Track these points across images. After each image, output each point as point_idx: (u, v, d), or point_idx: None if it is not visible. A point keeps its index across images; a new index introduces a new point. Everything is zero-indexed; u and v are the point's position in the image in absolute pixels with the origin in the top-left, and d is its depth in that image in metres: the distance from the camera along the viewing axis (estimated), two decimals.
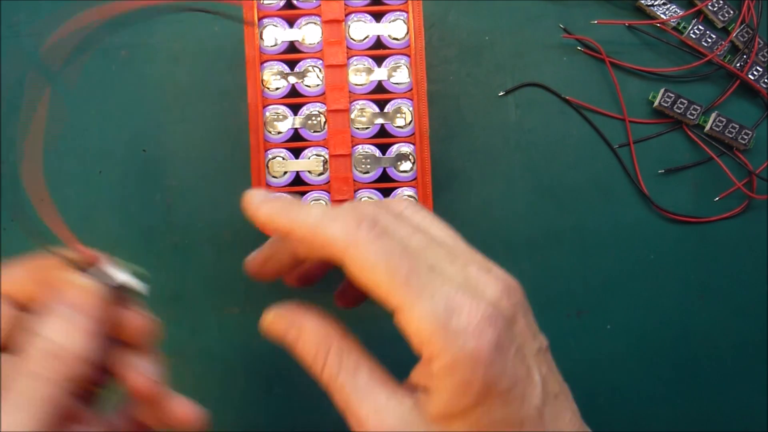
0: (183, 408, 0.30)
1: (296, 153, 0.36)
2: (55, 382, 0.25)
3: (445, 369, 0.24)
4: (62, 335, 0.26)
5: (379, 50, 0.36)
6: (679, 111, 0.43)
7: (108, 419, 0.29)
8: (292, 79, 0.36)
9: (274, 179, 0.36)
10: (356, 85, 0.36)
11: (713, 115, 0.43)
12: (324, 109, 0.36)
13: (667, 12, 0.44)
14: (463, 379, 0.24)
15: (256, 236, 0.37)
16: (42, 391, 0.25)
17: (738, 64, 0.44)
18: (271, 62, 0.36)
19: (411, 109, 0.36)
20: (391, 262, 0.25)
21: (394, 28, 0.36)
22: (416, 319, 0.24)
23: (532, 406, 0.25)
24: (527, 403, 0.25)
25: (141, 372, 0.29)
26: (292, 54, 0.36)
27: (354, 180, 0.36)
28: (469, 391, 0.24)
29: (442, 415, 0.25)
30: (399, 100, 0.36)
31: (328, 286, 0.35)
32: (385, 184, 0.36)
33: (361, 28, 0.36)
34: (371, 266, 0.25)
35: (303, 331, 0.28)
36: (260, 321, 0.29)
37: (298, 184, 0.36)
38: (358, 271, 0.25)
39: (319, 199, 0.36)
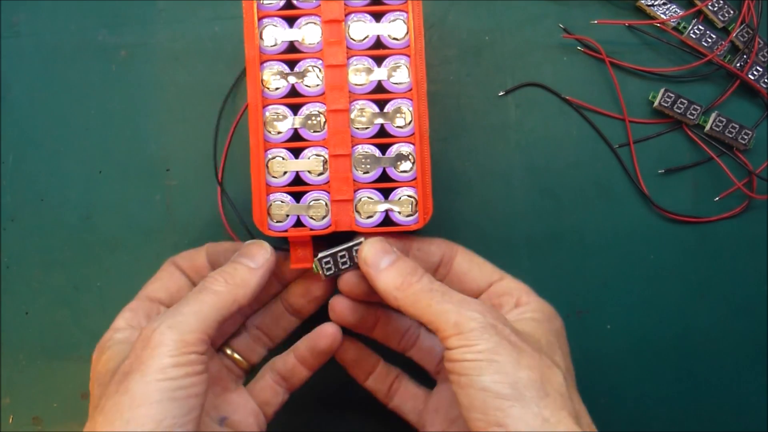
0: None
1: (296, 153, 0.36)
2: (223, 297, 0.33)
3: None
4: (240, 272, 0.34)
5: (378, 50, 0.36)
6: (679, 111, 0.43)
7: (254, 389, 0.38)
8: (292, 79, 0.36)
9: (274, 179, 0.36)
10: (356, 85, 0.36)
11: (713, 115, 0.43)
12: (324, 109, 0.36)
13: (667, 12, 0.44)
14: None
15: (256, 236, 0.37)
16: (212, 300, 0.32)
17: (738, 64, 0.44)
18: (271, 62, 0.36)
19: (411, 109, 0.36)
20: None
21: (393, 28, 0.36)
22: None
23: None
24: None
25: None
26: (291, 54, 0.36)
27: (354, 180, 0.36)
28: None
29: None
30: (399, 100, 0.36)
31: None
32: (385, 184, 0.36)
33: (361, 28, 0.36)
34: None
35: (401, 258, 0.34)
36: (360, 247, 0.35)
37: (297, 184, 0.36)
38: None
39: (319, 199, 0.36)
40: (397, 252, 0.35)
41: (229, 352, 0.38)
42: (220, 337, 0.38)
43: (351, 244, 0.35)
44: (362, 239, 0.35)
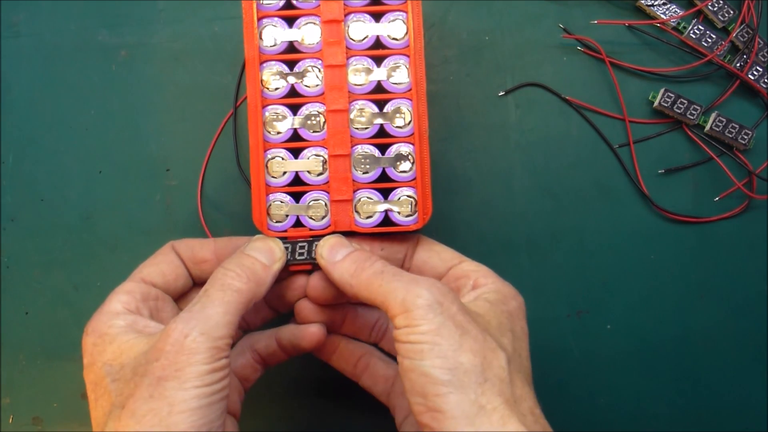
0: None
1: (296, 153, 0.36)
2: (244, 295, 0.32)
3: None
4: (256, 267, 0.34)
5: (378, 50, 0.36)
6: (679, 111, 0.43)
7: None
8: (292, 79, 0.36)
9: (273, 179, 0.36)
10: (355, 85, 0.36)
11: (713, 115, 0.43)
12: (323, 109, 0.36)
13: (667, 12, 0.44)
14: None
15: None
16: (234, 299, 0.32)
17: (738, 64, 0.44)
18: (271, 62, 0.36)
19: (410, 109, 0.36)
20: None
21: (393, 28, 0.36)
22: None
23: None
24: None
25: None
26: (291, 54, 0.36)
27: (353, 180, 0.36)
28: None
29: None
30: (398, 100, 0.36)
31: None
32: (385, 184, 0.36)
33: (361, 28, 0.36)
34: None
35: (354, 250, 0.35)
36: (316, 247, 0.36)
37: (297, 184, 0.36)
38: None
39: (318, 199, 0.36)
40: (354, 246, 0.35)
41: None
42: None
43: (312, 239, 0.36)
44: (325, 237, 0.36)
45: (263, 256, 0.34)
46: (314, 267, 0.36)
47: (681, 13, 0.44)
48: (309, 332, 0.37)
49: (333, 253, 0.35)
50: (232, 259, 0.34)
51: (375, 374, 0.38)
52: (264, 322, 0.39)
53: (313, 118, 0.36)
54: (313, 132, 0.36)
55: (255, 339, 0.38)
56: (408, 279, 0.32)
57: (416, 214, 0.36)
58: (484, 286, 0.34)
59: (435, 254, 0.37)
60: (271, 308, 0.39)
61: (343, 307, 0.38)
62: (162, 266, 0.36)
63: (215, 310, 0.31)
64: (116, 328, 0.33)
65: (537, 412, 0.30)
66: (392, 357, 0.39)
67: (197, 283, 0.37)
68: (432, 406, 0.28)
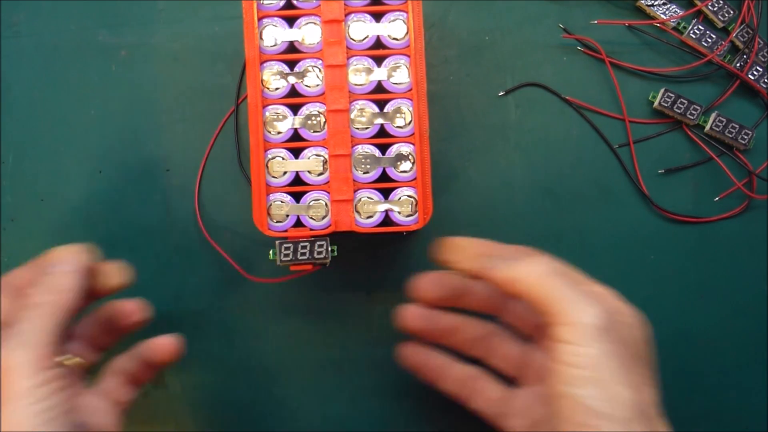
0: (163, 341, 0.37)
1: (296, 153, 0.36)
2: (52, 306, 0.32)
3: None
4: (57, 278, 0.33)
5: (378, 50, 0.36)
6: (679, 111, 0.43)
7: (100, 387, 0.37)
8: (292, 79, 0.36)
9: (273, 179, 0.36)
10: (356, 85, 0.36)
11: (713, 115, 0.43)
12: (324, 109, 0.36)
13: (667, 12, 0.44)
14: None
15: (256, 236, 0.37)
16: (44, 311, 0.32)
17: (738, 64, 0.44)
18: (271, 62, 0.36)
19: (411, 109, 0.36)
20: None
21: (393, 28, 0.36)
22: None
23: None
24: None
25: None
26: (291, 54, 0.36)
27: (354, 180, 0.36)
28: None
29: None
30: (399, 100, 0.36)
31: None
32: (385, 184, 0.36)
33: (361, 28, 0.36)
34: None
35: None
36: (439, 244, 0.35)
37: (297, 184, 0.36)
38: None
39: (318, 199, 0.36)
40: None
41: (67, 357, 0.35)
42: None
43: (313, 239, 0.36)
44: (327, 239, 0.35)
45: (59, 264, 0.34)
46: (315, 267, 0.36)
47: (681, 13, 0.44)
48: (160, 344, 0.37)
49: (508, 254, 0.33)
50: (37, 279, 0.34)
51: (488, 397, 0.37)
52: (119, 339, 0.39)
53: (313, 118, 0.36)
54: (314, 132, 0.36)
55: (116, 361, 0.38)
56: (582, 286, 0.30)
57: (416, 214, 0.36)
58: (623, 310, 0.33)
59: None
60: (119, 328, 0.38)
61: (453, 318, 0.37)
62: None
63: (27, 326, 0.31)
64: None
65: None
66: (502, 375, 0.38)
67: None
68: None
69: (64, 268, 0.34)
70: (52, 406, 0.29)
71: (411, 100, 0.36)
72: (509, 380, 0.38)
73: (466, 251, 0.35)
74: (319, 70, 0.36)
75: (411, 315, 0.37)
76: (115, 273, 0.37)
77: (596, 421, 0.28)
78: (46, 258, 0.35)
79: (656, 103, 0.43)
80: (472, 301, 0.37)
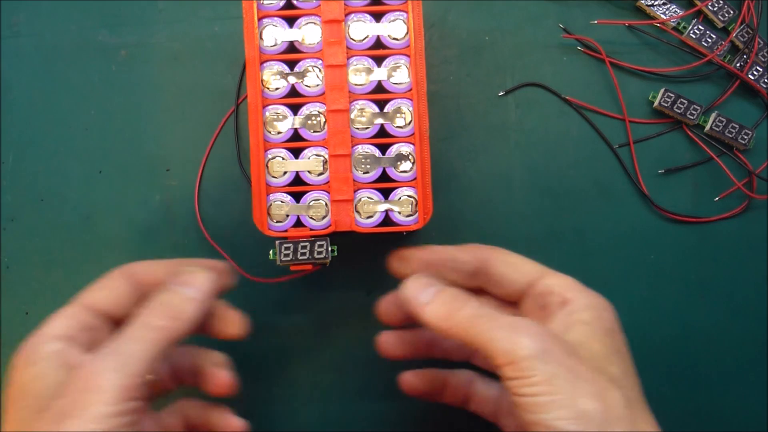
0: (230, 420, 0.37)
1: (296, 153, 0.36)
2: (163, 333, 0.31)
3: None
4: (179, 302, 0.32)
5: (378, 50, 0.36)
6: (679, 111, 0.43)
7: (161, 417, 0.36)
8: (292, 79, 0.36)
9: (273, 179, 0.36)
10: (356, 85, 0.36)
11: (713, 115, 0.43)
12: (324, 109, 0.36)
13: (667, 12, 0.44)
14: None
15: (255, 236, 0.37)
16: (153, 337, 0.30)
17: (738, 64, 0.44)
18: (271, 62, 0.36)
19: (411, 109, 0.36)
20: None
21: (393, 28, 0.36)
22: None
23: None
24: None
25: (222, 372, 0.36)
26: (291, 54, 0.36)
27: (354, 180, 0.36)
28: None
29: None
30: (399, 100, 0.36)
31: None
32: (385, 184, 0.36)
33: (361, 28, 0.36)
34: None
35: (442, 290, 0.33)
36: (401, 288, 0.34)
37: (297, 184, 0.36)
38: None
39: (318, 199, 0.36)
40: (436, 283, 0.33)
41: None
42: None
43: (313, 239, 0.36)
44: (327, 239, 0.35)
45: (189, 289, 0.33)
46: (315, 267, 0.36)
47: (681, 13, 0.44)
48: (230, 423, 0.36)
49: (419, 295, 0.33)
50: (156, 294, 0.33)
51: (482, 399, 0.38)
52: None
53: (313, 118, 0.36)
54: (314, 132, 0.36)
55: (185, 404, 0.37)
56: (508, 325, 0.30)
57: (417, 214, 0.36)
58: (573, 302, 0.33)
59: (512, 268, 0.35)
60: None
61: (423, 333, 0.38)
62: (107, 291, 0.34)
63: (131, 347, 0.30)
64: (43, 353, 0.31)
65: None
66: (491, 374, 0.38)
67: None
68: None
69: (190, 292, 0.33)
70: None
71: (411, 100, 0.36)
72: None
73: (411, 262, 0.36)
74: (319, 70, 0.36)
75: (385, 343, 0.38)
76: (235, 323, 0.36)
77: None
78: (179, 269, 0.34)
79: (656, 103, 0.43)
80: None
